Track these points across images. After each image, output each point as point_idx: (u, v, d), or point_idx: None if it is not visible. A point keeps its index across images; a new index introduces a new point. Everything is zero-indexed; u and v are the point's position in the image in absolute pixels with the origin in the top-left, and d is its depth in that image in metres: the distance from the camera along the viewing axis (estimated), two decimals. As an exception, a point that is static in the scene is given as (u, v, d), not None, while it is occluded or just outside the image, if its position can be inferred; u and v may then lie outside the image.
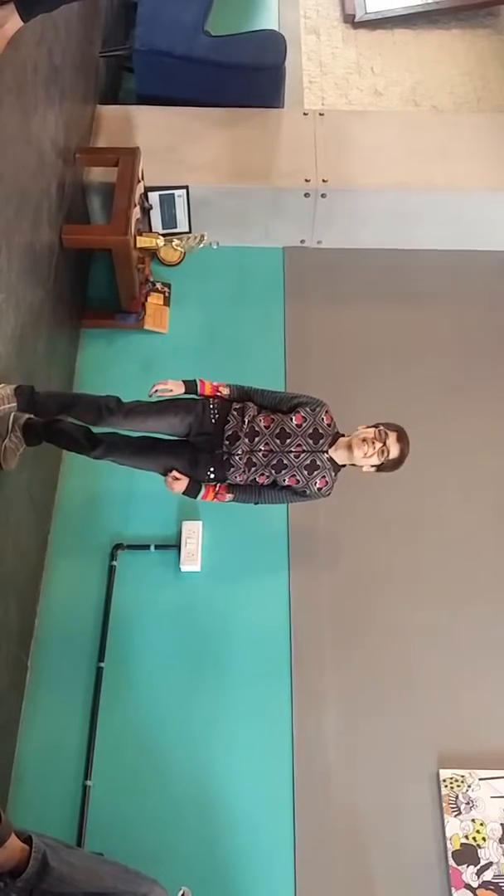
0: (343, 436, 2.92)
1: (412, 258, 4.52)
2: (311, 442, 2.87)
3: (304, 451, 2.86)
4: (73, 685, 3.29)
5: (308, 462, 2.87)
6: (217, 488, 2.96)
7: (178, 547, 3.58)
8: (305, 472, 2.88)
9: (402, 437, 2.85)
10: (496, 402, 4.09)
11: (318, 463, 2.88)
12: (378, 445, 2.80)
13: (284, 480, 2.90)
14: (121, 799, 3.09)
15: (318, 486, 2.90)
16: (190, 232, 4.25)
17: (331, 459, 2.89)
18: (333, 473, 2.92)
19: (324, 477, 2.90)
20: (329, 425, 2.91)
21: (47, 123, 3.30)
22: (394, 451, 2.82)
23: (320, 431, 2.88)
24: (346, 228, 4.47)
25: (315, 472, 2.88)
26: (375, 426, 2.86)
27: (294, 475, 2.88)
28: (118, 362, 4.05)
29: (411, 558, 3.65)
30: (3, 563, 2.97)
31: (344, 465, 2.93)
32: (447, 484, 3.81)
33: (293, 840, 3.06)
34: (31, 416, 2.99)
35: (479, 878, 3.02)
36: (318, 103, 5.25)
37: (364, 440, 2.82)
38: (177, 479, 2.93)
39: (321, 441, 2.88)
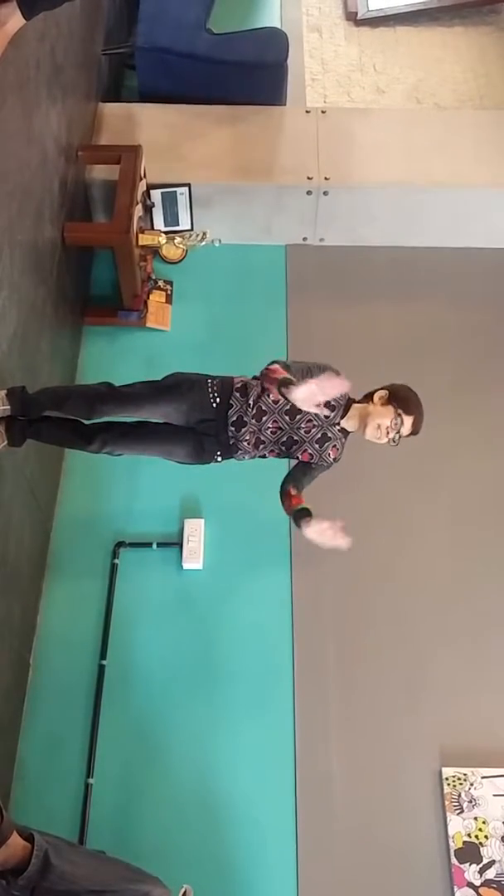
0: (355, 401, 2.77)
1: (415, 256, 4.51)
2: (321, 416, 2.74)
3: (314, 425, 2.75)
4: (75, 683, 3.29)
5: (319, 436, 2.76)
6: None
7: (180, 545, 3.57)
8: (317, 446, 2.77)
9: (417, 420, 2.71)
10: (499, 400, 4.08)
11: (330, 435, 2.76)
12: (393, 434, 2.68)
13: (298, 456, 2.81)
14: (123, 797, 3.10)
15: (331, 456, 2.80)
16: (192, 230, 4.25)
17: (342, 430, 2.78)
18: (344, 439, 2.81)
19: (335, 446, 2.79)
20: (342, 395, 2.74)
21: (49, 121, 3.29)
22: (405, 432, 2.70)
23: (332, 403, 2.71)
24: (349, 226, 4.47)
25: (326, 444, 2.77)
26: (390, 400, 2.69)
27: (306, 450, 2.78)
28: (120, 360, 4.04)
29: (415, 555, 3.64)
30: (5, 561, 2.97)
31: (353, 431, 2.80)
32: (450, 481, 3.81)
33: (295, 838, 3.06)
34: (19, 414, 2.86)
35: (481, 876, 3.02)
36: (320, 101, 5.24)
37: (379, 427, 2.68)
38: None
39: (333, 413, 2.74)
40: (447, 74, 5.47)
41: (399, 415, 2.67)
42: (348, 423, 2.76)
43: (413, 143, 4.43)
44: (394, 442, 2.70)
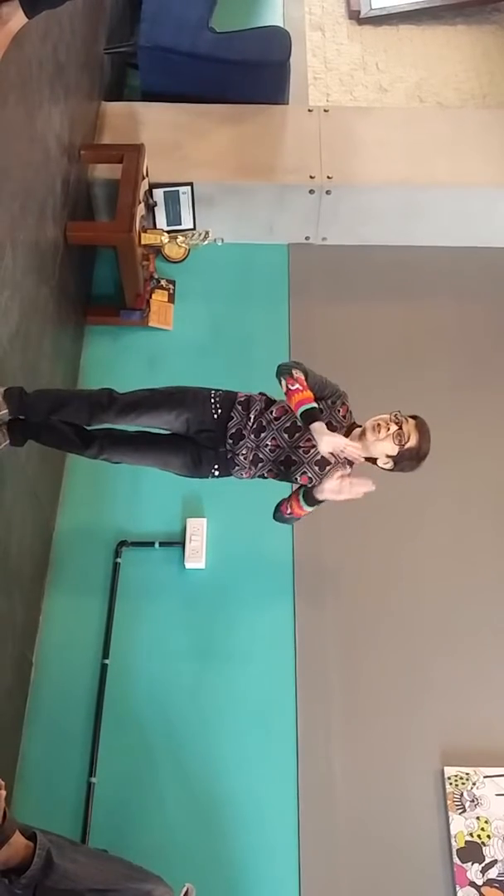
0: (358, 426, 2.67)
1: (417, 255, 4.51)
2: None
3: (313, 445, 2.64)
4: (78, 682, 3.29)
5: (319, 457, 2.66)
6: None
7: (182, 544, 3.57)
8: (317, 468, 2.68)
9: (422, 428, 2.59)
10: (501, 398, 4.08)
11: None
12: (394, 428, 2.53)
13: (297, 479, 2.73)
14: (125, 796, 3.10)
15: None
16: (194, 229, 4.25)
17: None
18: (348, 467, 2.67)
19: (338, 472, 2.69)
20: (344, 417, 2.68)
21: (52, 120, 3.29)
22: (413, 439, 2.55)
23: (333, 424, 2.64)
24: (351, 225, 4.46)
25: (327, 468, 2.67)
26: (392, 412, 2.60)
27: (305, 472, 2.69)
28: (123, 359, 4.05)
29: (417, 556, 3.64)
30: (7, 561, 2.98)
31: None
32: (450, 482, 3.79)
33: (297, 836, 3.06)
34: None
35: (483, 875, 3.01)
36: (322, 100, 5.24)
37: (378, 424, 2.56)
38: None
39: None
40: (450, 73, 5.47)
41: (400, 414, 2.58)
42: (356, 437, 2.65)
43: (416, 141, 4.42)
44: (394, 444, 2.55)
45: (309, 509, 2.71)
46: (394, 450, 2.57)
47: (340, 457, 2.58)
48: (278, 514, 2.82)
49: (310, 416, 2.52)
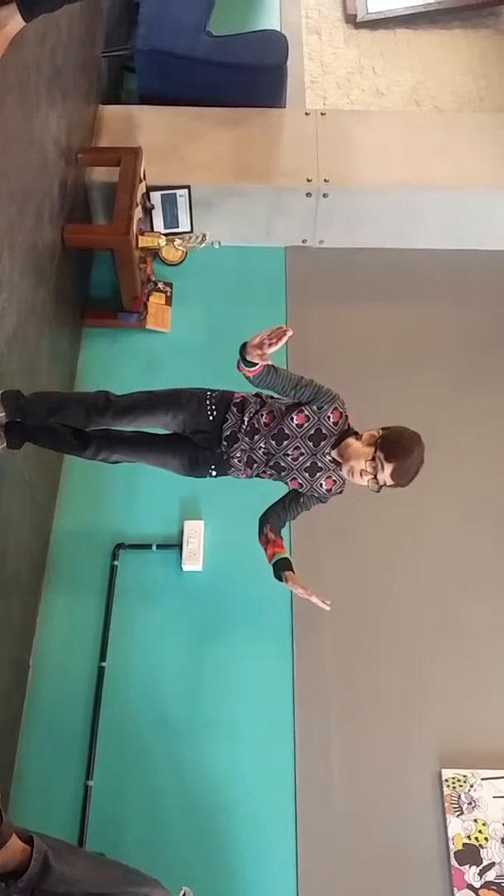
0: (353, 433, 2.60)
1: (414, 257, 4.52)
2: (310, 444, 2.60)
3: (302, 453, 2.62)
4: (75, 685, 3.28)
5: (308, 465, 2.65)
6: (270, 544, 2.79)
7: (179, 546, 3.57)
8: (307, 475, 2.67)
9: (400, 468, 2.46)
10: (499, 401, 4.08)
11: (320, 465, 2.63)
12: (367, 478, 2.50)
13: (288, 483, 2.74)
14: (122, 799, 3.09)
15: (325, 487, 2.69)
16: (192, 232, 4.25)
17: (334, 460, 2.63)
18: (341, 471, 2.63)
19: (329, 477, 2.66)
20: (335, 424, 2.59)
21: (49, 123, 3.30)
22: (388, 482, 2.48)
23: (323, 432, 2.59)
24: (348, 228, 4.47)
25: (318, 474, 2.66)
26: (377, 442, 2.49)
27: (295, 478, 2.69)
28: (120, 362, 4.05)
29: (414, 559, 3.65)
30: (4, 563, 2.97)
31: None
32: (451, 489, 3.79)
33: (295, 840, 3.06)
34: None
35: (481, 878, 3.01)
36: (319, 103, 5.25)
37: (352, 469, 2.53)
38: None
39: (322, 443, 2.60)
40: (446, 77, 5.48)
41: (377, 459, 2.47)
42: (339, 455, 2.62)
43: (412, 145, 4.43)
44: (374, 488, 2.52)
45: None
46: (372, 488, 2.54)
47: (268, 349, 2.36)
48: (260, 534, 2.85)
49: (242, 346, 2.42)
